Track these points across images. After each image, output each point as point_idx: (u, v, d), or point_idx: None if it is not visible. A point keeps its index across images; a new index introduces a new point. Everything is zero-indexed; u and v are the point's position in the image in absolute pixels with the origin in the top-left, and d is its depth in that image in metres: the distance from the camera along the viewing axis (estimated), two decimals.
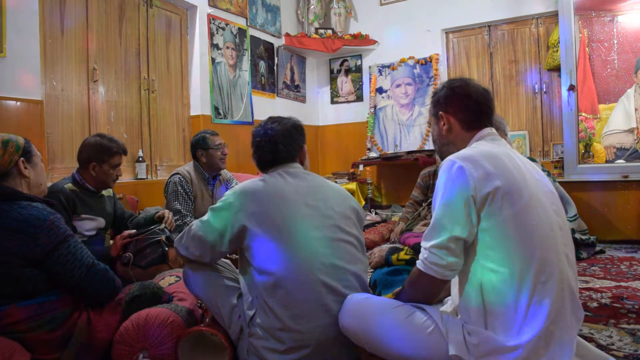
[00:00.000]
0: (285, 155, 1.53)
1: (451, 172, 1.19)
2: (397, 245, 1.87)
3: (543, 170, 3.38)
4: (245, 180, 1.56)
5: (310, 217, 1.42)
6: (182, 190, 2.68)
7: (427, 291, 1.28)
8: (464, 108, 1.35)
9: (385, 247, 3.11)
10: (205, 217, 1.50)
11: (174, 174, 2.74)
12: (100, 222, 2.14)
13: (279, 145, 1.52)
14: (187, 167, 2.80)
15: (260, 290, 1.39)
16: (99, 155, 2.06)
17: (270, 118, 1.59)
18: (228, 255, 1.74)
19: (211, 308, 1.55)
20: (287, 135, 1.53)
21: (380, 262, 2.87)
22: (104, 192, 2.22)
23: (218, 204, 1.48)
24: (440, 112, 1.39)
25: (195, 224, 1.52)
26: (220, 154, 2.76)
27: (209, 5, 4.06)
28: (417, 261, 1.25)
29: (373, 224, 4.22)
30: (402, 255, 1.76)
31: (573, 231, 3.23)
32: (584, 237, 3.30)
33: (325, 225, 1.43)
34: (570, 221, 3.26)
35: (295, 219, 1.41)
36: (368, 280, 1.76)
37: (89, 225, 2.09)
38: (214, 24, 4.12)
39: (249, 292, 1.44)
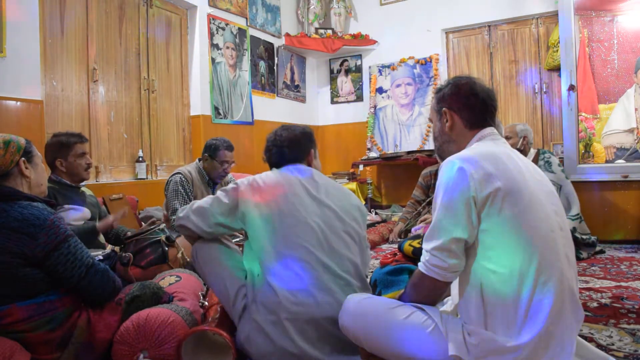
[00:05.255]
0: (291, 158, 1.70)
1: (451, 173, 1.19)
2: (421, 233, 1.88)
3: (558, 166, 3.39)
4: (256, 175, 1.69)
5: (312, 206, 1.56)
6: (182, 190, 2.68)
7: (430, 293, 1.28)
8: (470, 106, 1.34)
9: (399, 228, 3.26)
10: (214, 196, 1.64)
11: (176, 173, 2.75)
12: (86, 212, 2.19)
13: (285, 149, 1.70)
14: (189, 167, 2.81)
15: (262, 268, 1.50)
16: (60, 150, 2.14)
17: (283, 126, 1.79)
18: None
19: (217, 286, 1.62)
20: (293, 141, 1.71)
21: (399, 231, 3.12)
22: (85, 191, 2.31)
23: (230, 186, 1.63)
24: (444, 109, 1.37)
25: (200, 201, 1.66)
26: (221, 170, 2.78)
27: (209, 5, 4.06)
28: (419, 263, 1.25)
29: (373, 224, 4.23)
30: (415, 243, 1.78)
31: (574, 229, 3.23)
32: (584, 237, 3.30)
33: (326, 215, 1.57)
34: (572, 220, 3.26)
35: (299, 205, 1.54)
36: (368, 279, 1.77)
37: (74, 214, 2.13)
38: (214, 24, 4.12)
39: (252, 270, 1.55)
